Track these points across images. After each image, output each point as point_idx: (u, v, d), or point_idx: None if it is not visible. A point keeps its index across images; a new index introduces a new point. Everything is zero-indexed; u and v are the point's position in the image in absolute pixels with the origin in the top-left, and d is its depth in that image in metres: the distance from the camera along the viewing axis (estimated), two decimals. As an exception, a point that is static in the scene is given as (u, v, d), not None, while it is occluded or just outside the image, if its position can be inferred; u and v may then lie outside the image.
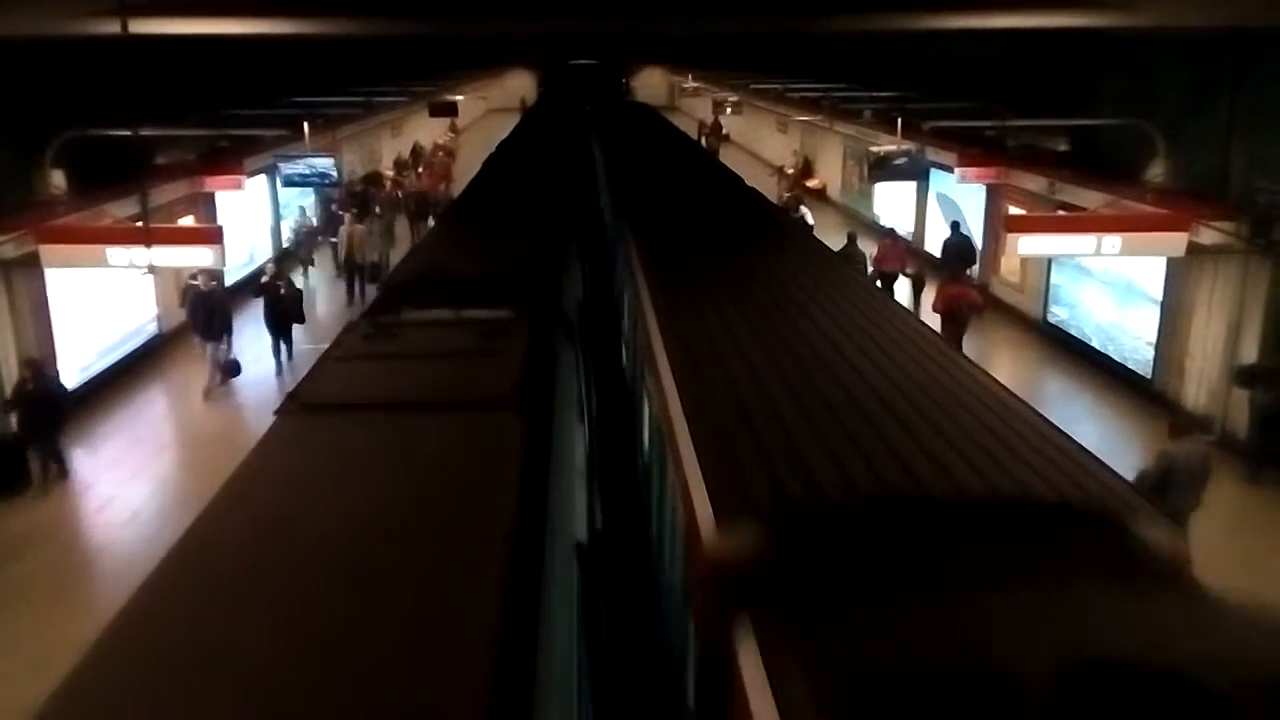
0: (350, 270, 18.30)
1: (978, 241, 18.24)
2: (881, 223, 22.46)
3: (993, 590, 2.86)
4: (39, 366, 10.92)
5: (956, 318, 13.65)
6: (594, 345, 9.63)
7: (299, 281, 17.63)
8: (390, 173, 28.17)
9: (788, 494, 3.47)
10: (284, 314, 14.32)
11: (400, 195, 24.50)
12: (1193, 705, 2.29)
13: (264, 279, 14.61)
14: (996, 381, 4.88)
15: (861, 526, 3.26)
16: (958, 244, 17.60)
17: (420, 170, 29.53)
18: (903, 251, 17.60)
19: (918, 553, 3.09)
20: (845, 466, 3.65)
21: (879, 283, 15.45)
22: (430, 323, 5.88)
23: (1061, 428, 4.19)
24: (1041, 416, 4.35)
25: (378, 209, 21.23)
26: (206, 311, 13.51)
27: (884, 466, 3.64)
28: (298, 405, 4.51)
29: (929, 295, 15.81)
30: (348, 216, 19.12)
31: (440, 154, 34.10)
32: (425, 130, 36.77)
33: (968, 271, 16.88)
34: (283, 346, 14.51)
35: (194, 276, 13.73)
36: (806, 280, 6.91)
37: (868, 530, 3.23)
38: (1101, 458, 3.85)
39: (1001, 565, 3.03)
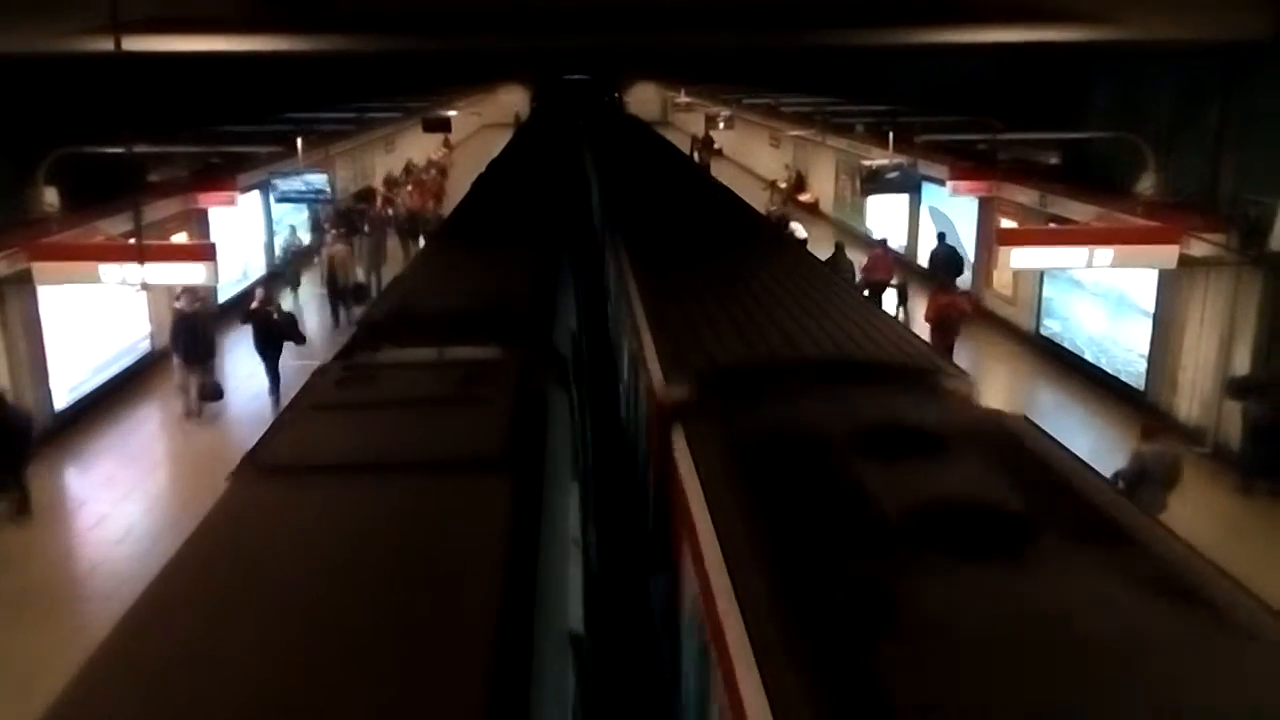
0: (333, 293, 17.70)
1: (969, 253, 18.34)
2: (874, 236, 22.57)
3: (832, 401, 4.67)
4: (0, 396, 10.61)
5: (947, 326, 13.88)
6: (590, 382, 9.22)
7: (287, 303, 17.54)
8: (382, 190, 28.00)
9: (709, 360, 5.50)
10: (278, 338, 13.73)
11: (391, 213, 24.24)
12: (921, 440, 4.09)
13: (253, 305, 13.99)
14: (863, 298, 7.73)
15: (752, 377, 5.23)
16: (945, 255, 17.87)
17: (410, 188, 29.18)
18: (891, 262, 17.91)
19: (789, 389, 4.94)
20: (750, 345, 5.76)
21: (867, 291, 15.59)
22: (408, 366, 5.41)
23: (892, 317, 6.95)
24: (888, 315, 6.81)
25: (366, 228, 20.87)
26: (190, 334, 13.15)
27: (776, 345, 5.75)
28: (254, 468, 3.99)
29: (915, 302, 16.56)
30: (329, 237, 18.61)
31: (432, 170, 33.74)
32: (419, 146, 36.82)
33: (955, 281, 17.04)
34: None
35: (178, 297, 13.47)
36: (765, 263, 8.41)
37: (757, 378, 5.21)
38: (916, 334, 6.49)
39: (843, 394, 4.83)
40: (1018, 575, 3.05)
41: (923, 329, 13.36)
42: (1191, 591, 3.05)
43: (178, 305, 13.48)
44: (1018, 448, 4.14)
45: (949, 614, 2.84)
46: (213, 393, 13.23)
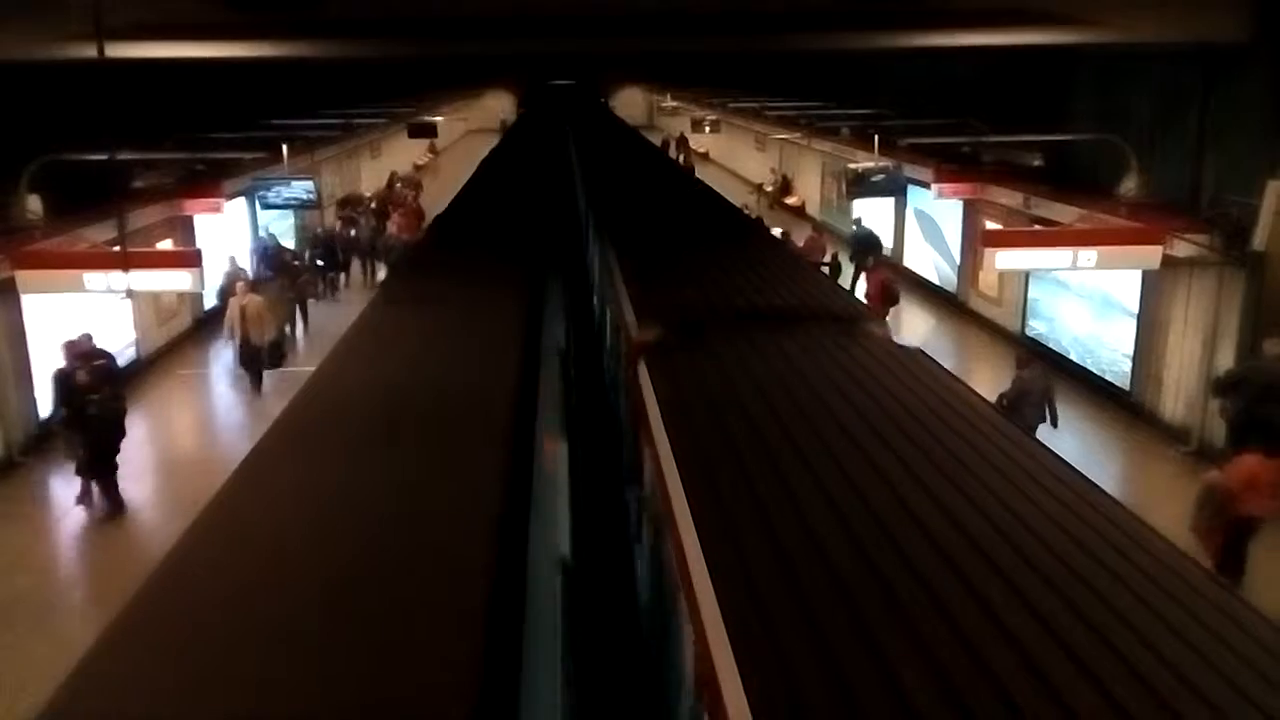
0: (246, 354, 14.40)
1: (953, 248, 18.46)
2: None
3: (778, 344, 5.68)
4: None
5: (889, 295, 16.29)
6: None
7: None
8: (344, 210, 24.69)
9: (678, 309, 6.39)
10: (95, 445, 10.24)
11: (354, 234, 22.36)
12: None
13: (79, 382, 10.40)
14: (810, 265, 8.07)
15: (714, 323, 6.12)
16: (865, 236, 19.98)
17: (374, 204, 25.70)
18: (824, 243, 20.32)
19: (743, 332, 5.89)
20: (712, 299, 6.73)
21: None
22: None
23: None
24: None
25: (270, 273, 17.85)
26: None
27: (737, 297, 6.78)
28: None
29: (845, 275, 19.03)
30: (239, 285, 14.86)
31: (399, 185, 29.54)
32: (404, 152, 36.73)
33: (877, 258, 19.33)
34: (94, 488, 10.49)
35: (74, 355, 11.00)
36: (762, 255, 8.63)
37: (719, 325, 6.09)
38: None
39: (787, 337, 5.82)
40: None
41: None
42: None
43: (59, 368, 11.10)
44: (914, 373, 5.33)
45: None
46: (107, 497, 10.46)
